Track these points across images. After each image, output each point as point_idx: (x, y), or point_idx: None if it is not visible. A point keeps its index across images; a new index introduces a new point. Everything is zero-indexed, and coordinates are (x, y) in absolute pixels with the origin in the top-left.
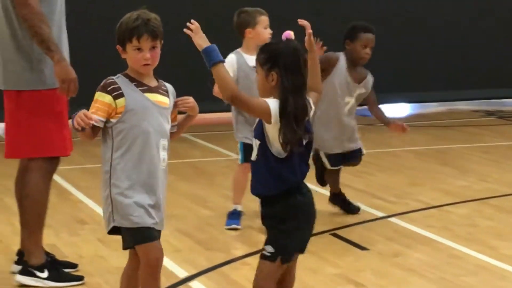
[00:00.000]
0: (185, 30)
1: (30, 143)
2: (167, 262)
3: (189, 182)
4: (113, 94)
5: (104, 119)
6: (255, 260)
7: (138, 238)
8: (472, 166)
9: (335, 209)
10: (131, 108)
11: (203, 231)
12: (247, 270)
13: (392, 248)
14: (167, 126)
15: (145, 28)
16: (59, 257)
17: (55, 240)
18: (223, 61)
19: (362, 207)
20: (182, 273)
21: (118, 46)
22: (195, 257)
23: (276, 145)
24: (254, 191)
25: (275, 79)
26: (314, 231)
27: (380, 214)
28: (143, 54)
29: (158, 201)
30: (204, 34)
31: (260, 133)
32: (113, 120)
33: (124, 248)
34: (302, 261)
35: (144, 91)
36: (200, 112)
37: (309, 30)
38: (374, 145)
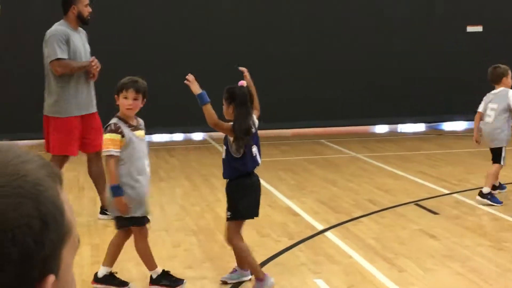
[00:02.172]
0: (185, 81)
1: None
2: (310, 219)
3: (323, 169)
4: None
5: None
6: (367, 220)
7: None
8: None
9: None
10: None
11: (334, 201)
12: (362, 226)
13: (454, 213)
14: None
15: (131, 85)
16: None
17: None
18: (209, 101)
19: (433, 187)
20: (319, 227)
21: (115, 96)
22: (328, 217)
23: (233, 149)
24: (223, 176)
25: (232, 110)
26: (403, 202)
27: (446, 191)
28: (127, 101)
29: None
30: (197, 83)
31: (226, 143)
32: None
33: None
34: (396, 220)
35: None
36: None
37: (246, 73)
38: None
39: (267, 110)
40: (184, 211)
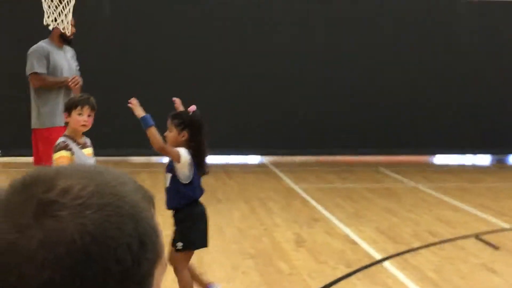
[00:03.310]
0: (128, 105)
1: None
2: (368, 248)
3: (382, 198)
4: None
5: None
6: (426, 251)
7: None
8: None
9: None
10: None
11: (392, 230)
12: (421, 257)
13: None
14: None
15: (86, 101)
16: None
17: None
18: (154, 125)
19: (494, 221)
20: (377, 256)
21: (65, 114)
22: (387, 247)
23: (181, 175)
24: (168, 206)
25: (186, 136)
26: (463, 235)
27: (508, 226)
28: (83, 117)
29: None
30: (140, 107)
31: (170, 169)
32: None
33: None
34: (456, 253)
35: (81, 147)
36: None
37: (178, 105)
38: None
39: (327, 136)
40: (242, 234)
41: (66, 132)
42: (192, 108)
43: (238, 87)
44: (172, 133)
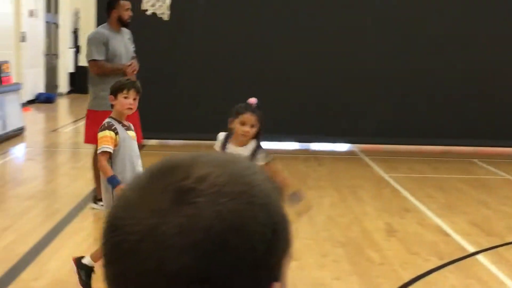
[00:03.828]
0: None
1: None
2: (461, 240)
3: (475, 189)
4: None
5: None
6: None
7: None
8: None
9: None
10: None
11: (486, 223)
12: None
13: None
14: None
15: (132, 85)
16: None
17: None
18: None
19: None
20: (471, 249)
21: (110, 97)
22: (480, 240)
23: None
24: None
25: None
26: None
27: None
28: (128, 100)
29: None
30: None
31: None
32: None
33: None
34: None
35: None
36: None
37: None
38: None
39: (420, 125)
40: (332, 221)
41: (112, 115)
42: (254, 100)
43: (327, 75)
44: (255, 128)
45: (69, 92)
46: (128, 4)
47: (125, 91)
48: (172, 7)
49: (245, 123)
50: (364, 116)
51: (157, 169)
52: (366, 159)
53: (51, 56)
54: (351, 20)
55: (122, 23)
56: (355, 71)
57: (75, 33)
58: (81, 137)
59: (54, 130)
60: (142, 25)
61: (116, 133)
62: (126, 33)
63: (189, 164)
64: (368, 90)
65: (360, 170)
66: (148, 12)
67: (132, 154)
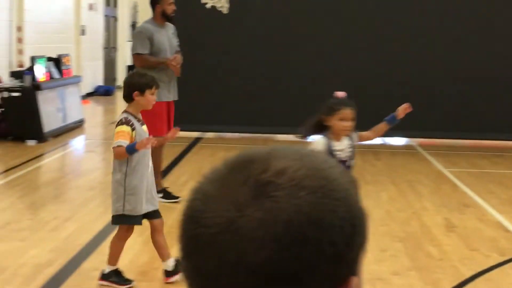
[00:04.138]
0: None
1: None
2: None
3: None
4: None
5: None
6: None
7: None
8: None
9: None
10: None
11: None
12: None
13: None
14: None
15: (156, 82)
16: None
17: None
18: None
19: None
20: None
21: (136, 92)
22: None
23: None
24: None
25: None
26: None
27: None
28: (154, 97)
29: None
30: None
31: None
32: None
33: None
34: None
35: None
36: None
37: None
38: None
39: (480, 119)
40: (390, 216)
41: (129, 109)
42: (343, 93)
43: (385, 69)
44: (353, 122)
45: None
46: None
47: (153, 88)
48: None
49: (345, 118)
50: (424, 110)
51: (234, 162)
52: (425, 153)
53: (110, 49)
54: (422, 16)
55: (166, 17)
56: (417, 64)
57: (133, 26)
58: None
59: (113, 123)
60: (202, 19)
61: (133, 129)
62: (170, 27)
63: (266, 158)
64: (429, 84)
65: (418, 165)
66: (208, 5)
67: (147, 149)
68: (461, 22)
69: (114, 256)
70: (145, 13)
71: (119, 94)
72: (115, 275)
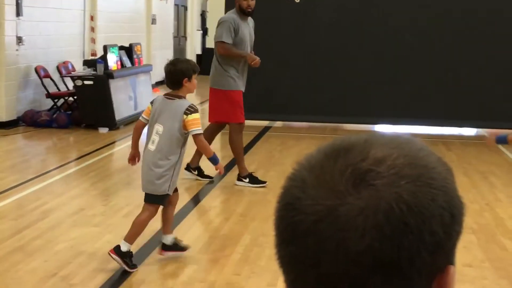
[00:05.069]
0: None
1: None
2: None
3: None
4: None
5: None
6: None
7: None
8: None
9: None
10: None
11: None
12: None
13: None
14: None
15: (198, 68)
16: None
17: None
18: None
19: None
20: None
21: (185, 79)
22: None
23: None
24: None
25: None
26: None
27: None
28: (196, 81)
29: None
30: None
31: None
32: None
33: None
34: None
35: None
36: None
37: None
38: None
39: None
40: None
41: (182, 95)
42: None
43: (453, 55)
44: None
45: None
46: None
47: (196, 73)
48: None
49: None
50: (495, 99)
51: (332, 150)
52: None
53: (180, 38)
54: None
55: (244, 12)
56: (487, 52)
57: (203, 15)
58: (207, 117)
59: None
60: (275, 10)
61: None
62: (250, 21)
63: (364, 146)
64: (499, 73)
65: (491, 156)
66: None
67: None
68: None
69: (135, 235)
70: (215, 2)
71: None
72: (129, 257)
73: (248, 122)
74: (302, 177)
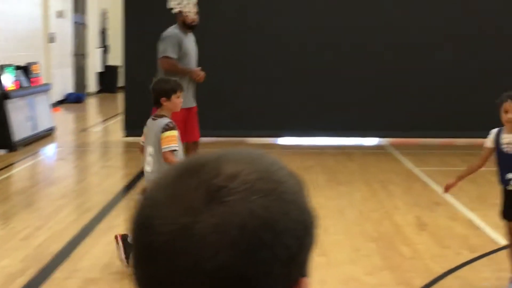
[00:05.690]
0: None
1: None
2: (492, 233)
3: None
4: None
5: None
6: None
7: None
8: None
9: None
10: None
11: None
12: None
13: None
14: None
15: (181, 86)
16: None
17: None
18: None
19: None
20: (502, 242)
21: (163, 98)
22: None
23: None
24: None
25: None
26: None
27: None
28: (180, 100)
29: None
30: None
31: None
32: None
33: None
34: None
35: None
36: None
37: None
38: None
39: (450, 118)
40: (363, 216)
41: (164, 113)
42: None
43: (362, 71)
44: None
45: (97, 92)
46: (195, 8)
47: (178, 92)
48: None
49: (508, 111)
50: (394, 110)
51: (184, 167)
52: (396, 153)
53: (80, 56)
54: (395, 12)
55: (187, 26)
56: (385, 65)
57: (103, 33)
58: (111, 136)
59: (84, 130)
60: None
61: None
62: (192, 35)
63: (217, 162)
64: (398, 83)
65: (390, 165)
66: (174, 11)
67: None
68: (434, 25)
69: None
70: (115, 19)
71: (89, 101)
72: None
73: None
74: (154, 197)
